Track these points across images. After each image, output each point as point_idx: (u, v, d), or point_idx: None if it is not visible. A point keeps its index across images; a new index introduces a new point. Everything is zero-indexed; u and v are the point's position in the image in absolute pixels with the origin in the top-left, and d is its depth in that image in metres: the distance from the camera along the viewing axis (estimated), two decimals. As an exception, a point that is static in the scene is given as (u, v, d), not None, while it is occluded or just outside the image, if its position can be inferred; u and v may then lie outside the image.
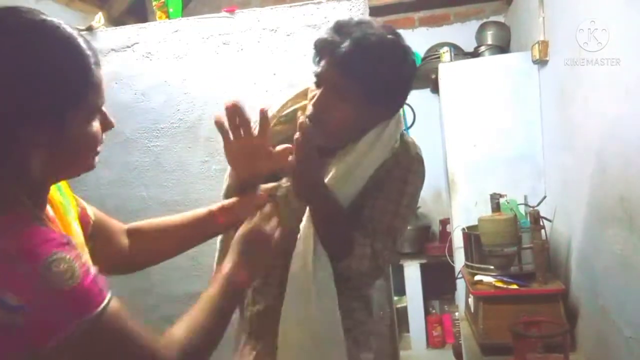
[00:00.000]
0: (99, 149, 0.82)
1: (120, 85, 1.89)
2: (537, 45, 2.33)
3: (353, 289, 1.17)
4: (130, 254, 1.06)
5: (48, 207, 0.83)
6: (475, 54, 3.17)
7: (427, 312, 3.46)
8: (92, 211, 1.01)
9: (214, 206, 1.11)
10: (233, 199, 1.10)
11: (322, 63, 1.05)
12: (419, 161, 1.17)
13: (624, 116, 1.54)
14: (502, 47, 3.17)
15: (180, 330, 0.81)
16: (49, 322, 0.65)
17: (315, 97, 1.06)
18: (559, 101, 2.21)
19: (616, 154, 1.60)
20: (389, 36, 1.05)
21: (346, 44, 1.01)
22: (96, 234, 0.99)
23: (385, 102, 1.09)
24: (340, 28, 1.04)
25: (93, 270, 0.71)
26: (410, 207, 1.15)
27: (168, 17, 1.96)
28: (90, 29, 1.90)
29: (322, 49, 1.06)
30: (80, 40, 0.75)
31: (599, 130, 1.75)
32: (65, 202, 0.91)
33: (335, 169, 1.08)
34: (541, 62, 2.36)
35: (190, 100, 1.88)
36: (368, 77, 1.02)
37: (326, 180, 1.07)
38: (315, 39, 1.08)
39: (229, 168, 1.17)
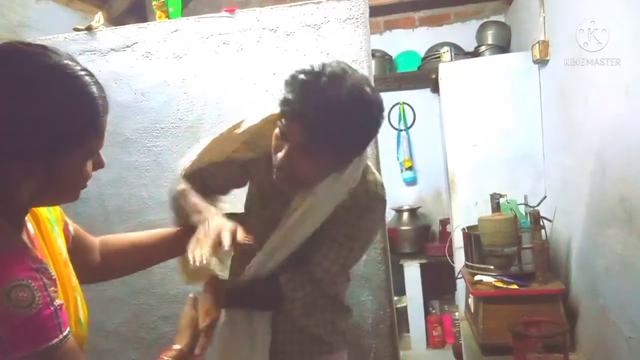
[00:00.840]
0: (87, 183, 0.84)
1: (120, 85, 1.89)
2: (537, 45, 2.33)
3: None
4: (101, 267, 1.08)
5: (30, 225, 0.84)
6: (475, 53, 3.17)
7: (427, 312, 3.46)
8: (72, 226, 1.03)
9: (181, 228, 1.16)
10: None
11: (290, 123, 1.03)
12: (377, 200, 1.19)
13: (624, 116, 1.54)
14: (503, 47, 3.17)
15: None
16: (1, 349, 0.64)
17: (282, 153, 1.05)
18: (559, 101, 2.21)
19: (616, 154, 1.60)
20: (356, 93, 1.01)
21: (311, 109, 0.98)
22: (73, 249, 0.99)
23: (350, 154, 1.10)
24: (307, 85, 1.00)
25: (57, 303, 0.71)
26: (364, 240, 1.21)
27: (168, 16, 1.96)
28: (90, 28, 1.90)
29: (290, 110, 1.02)
30: (94, 88, 0.76)
31: (599, 130, 1.75)
32: (51, 219, 0.92)
33: (299, 214, 1.12)
34: (541, 62, 2.36)
35: (190, 100, 1.87)
36: (335, 140, 1.02)
37: (288, 222, 1.13)
38: (285, 88, 1.04)
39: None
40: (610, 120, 1.65)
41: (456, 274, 2.57)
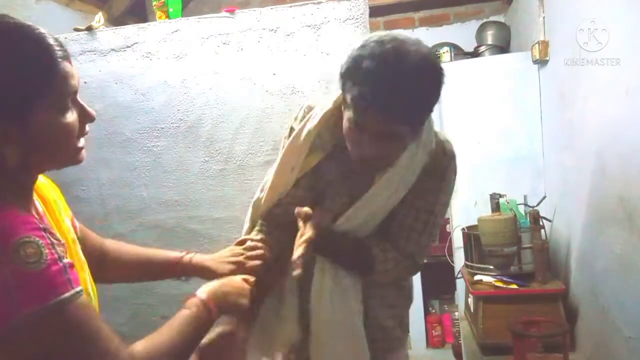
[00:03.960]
0: (81, 142, 0.82)
1: (120, 86, 1.89)
2: (537, 45, 2.33)
3: (384, 289, 1.23)
4: (101, 269, 1.08)
5: (38, 203, 0.84)
6: (475, 54, 3.17)
7: (426, 312, 3.46)
8: (78, 223, 1.03)
9: (186, 256, 1.19)
10: (208, 257, 1.19)
11: (361, 113, 0.98)
12: (454, 159, 1.19)
13: (624, 116, 1.54)
14: (502, 47, 3.17)
15: (144, 345, 0.78)
16: (9, 303, 0.64)
17: (362, 145, 1.01)
18: (559, 101, 2.21)
19: (616, 154, 1.60)
20: (422, 63, 0.96)
21: (387, 96, 0.93)
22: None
23: (425, 119, 1.07)
24: (375, 73, 0.94)
25: (65, 261, 0.71)
26: (446, 203, 1.20)
27: (168, 17, 1.96)
28: (90, 29, 1.90)
29: (360, 101, 0.96)
30: (47, 37, 0.76)
31: (599, 130, 1.75)
32: (59, 204, 0.93)
33: (379, 189, 1.11)
34: (541, 62, 2.36)
35: (190, 100, 1.87)
36: (412, 117, 1.00)
37: (372, 198, 1.11)
38: (347, 83, 0.98)
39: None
40: (610, 120, 1.65)
41: (456, 274, 2.57)
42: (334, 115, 1.11)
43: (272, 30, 1.81)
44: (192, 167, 1.89)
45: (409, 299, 1.31)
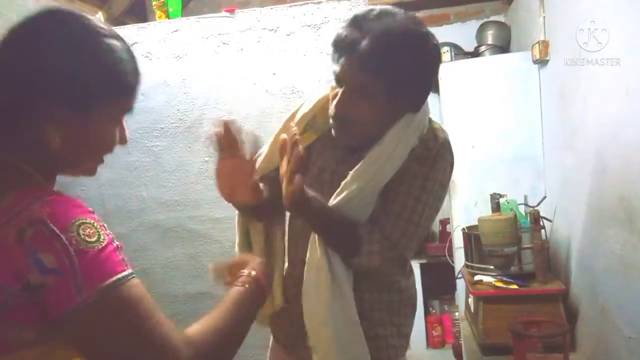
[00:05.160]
0: (105, 157, 0.83)
1: (120, 85, 1.89)
2: (537, 45, 2.33)
3: (377, 290, 1.17)
4: None
5: None
6: (475, 53, 3.17)
7: (427, 312, 3.46)
8: None
9: None
10: None
11: (342, 61, 1.01)
12: (447, 148, 1.15)
13: (624, 116, 1.54)
14: (502, 47, 3.16)
15: (199, 327, 0.77)
16: (74, 284, 0.65)
17: (337, 98, 1.03)
18: (559, 101, 2.21)
19: (616, 154, 1.60)
20: (411, 27, 1.00)
21: (365, 41, 0.97)
22: None
23: (408, 95, 1.06)
24: (359, 23, 1.00)
25: (117, 242, 0.73)
26: (437, 193, 1.12)
27: (168, 17, 1.96)
28: (90, 28, 1.90)
29: (341, 47, 1.01)
30: (126, 51, 0.80)
31: (599, 130, 1.75)
32: None
33: (365, 165, 1.07)
34: (541, 62, 2.36)
35: (190, 100, 1.88)
36: (390, 73, 0.99)
37: (358, 175, 1.07)
38: (334, 35, 1.03)
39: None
40: (610, 120, 1.65)
41: (456, 274, 2.57)
42: (329, 101, 1.10)
43: (272, 30, 1.81)
44: (192, 167, 1.89)
45: (408, 306, 1.24)
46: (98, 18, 0.82)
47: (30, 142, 0.74)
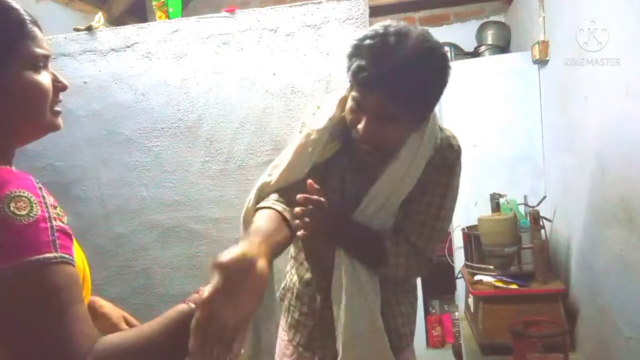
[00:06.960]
0: (57, 107, 0.83)
1: (120, 86, 1.89)
2: (537, 45, 2.33)
3: (392, 291, 1.22)
4: None
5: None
6: (475, 53, 3.17)
7: (427, 312, 3.46)
8: None
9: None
10: None
11: (365, 93, 1.01)
12: (460, 152, 1.21)
13: (624, 116, 1.54)
14: (502, 47, 3.17)
15: (118, 342, 0.69)
16: None
17: (363, 125, 1.03)
18: (559, 101, 2.21)
19: (616, 154, 1.60)
20: (433, 50, 1.00)
21: (385, 71, 0.96)
22: None
23: (427, 110, 1.08)
24: (378, 52, 0.97)
25: (56, 223, 0.69)
26: (454, 197, 1.21)
27: (168, 17, 1.96)
28: (90, 28, 1.90)
29: (363, 79, 0.99)
30: (15, 4, 0.78)
31: (599, 130, 1.75)
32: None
33: (383, 182, 1.12)
34: (541, 62, 2.36)
35: (190, 100, 1.87)
36: (412, 100, 1.00)
37: (378, 191, 1.12)
38: (354, 65, 1.00)
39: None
40: (610, 120, 1.65)
41: (456, 274, 2.57)
42: (344, 110, 1.11)
43: (272, 30, 1.81)
44: (192, 167, 1.89)
45: (412, 293, 1.32)
46: (98, 18, 0.82)
47: None
